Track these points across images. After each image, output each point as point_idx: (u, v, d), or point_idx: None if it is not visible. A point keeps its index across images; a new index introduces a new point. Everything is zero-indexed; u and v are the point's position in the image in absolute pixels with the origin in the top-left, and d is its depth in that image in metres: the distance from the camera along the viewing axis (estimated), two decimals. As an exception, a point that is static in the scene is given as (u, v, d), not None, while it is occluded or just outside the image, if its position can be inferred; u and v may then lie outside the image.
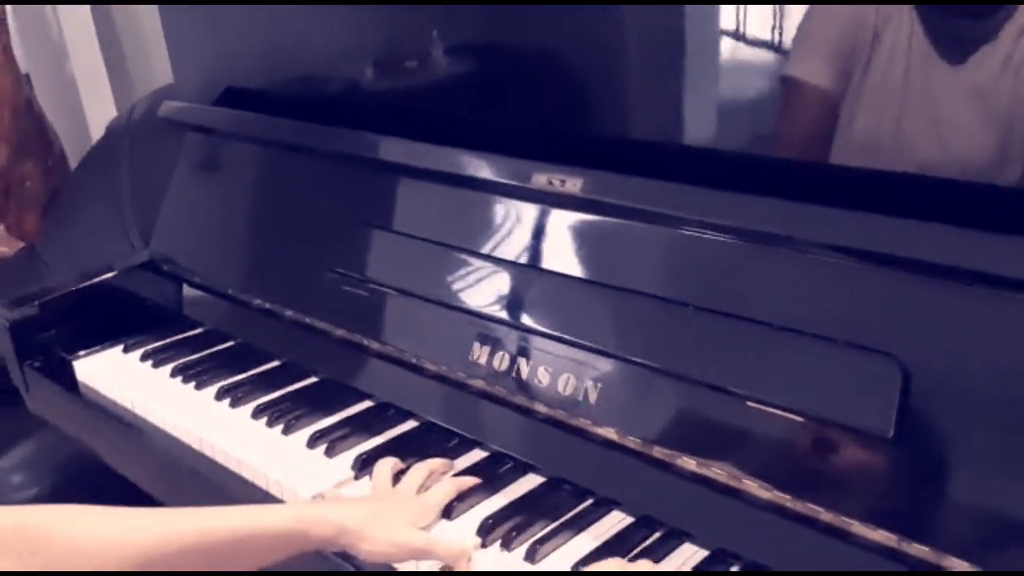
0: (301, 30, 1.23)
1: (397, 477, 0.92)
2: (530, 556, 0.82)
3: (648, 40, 0.90)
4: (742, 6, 0.83)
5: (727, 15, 0.83)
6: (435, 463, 0.94)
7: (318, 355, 1.14)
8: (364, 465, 0.96)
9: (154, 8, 1.52)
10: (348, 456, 0.98)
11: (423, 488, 0.90)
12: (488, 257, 0.97)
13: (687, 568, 0.79)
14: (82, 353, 1.25)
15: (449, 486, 0.89)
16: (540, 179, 0.91)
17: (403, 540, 0.81)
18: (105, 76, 2.17)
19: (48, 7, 2.07)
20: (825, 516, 0.74)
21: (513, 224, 0.96)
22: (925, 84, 0.75)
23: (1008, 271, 0.67)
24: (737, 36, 0.84)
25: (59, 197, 2.02)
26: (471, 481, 0.91)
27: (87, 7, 2.06)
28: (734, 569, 0.79)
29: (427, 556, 0.82)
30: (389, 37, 1.14)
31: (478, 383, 0.97)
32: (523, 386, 0.92)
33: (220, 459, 1.03)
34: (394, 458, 0.94)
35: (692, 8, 0.85)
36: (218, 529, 0.78)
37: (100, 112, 2.16)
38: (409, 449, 0.97)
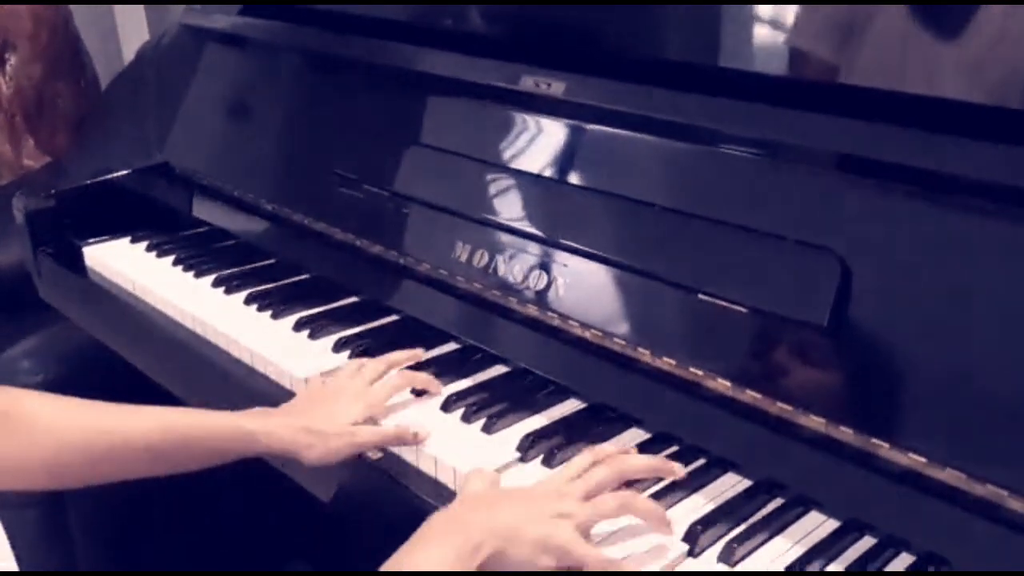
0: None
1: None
2: (487, 429, 0.87)
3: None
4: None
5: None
6: (397, 356, 0.95)
7: (311, 254, 1.20)
8: (341, 348, 1.02)
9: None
10: (328, 340, 1.03)
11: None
12: (473, 159, 1.02)
13: (631, 445, 0.83)
14: (92, 241, 1.32)
15: (400, 378, 0.92)
16: (527, 82, 0.96)
17: (344, 443, 0.84)
18: (141, 5, 2.24)
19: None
20: (763, 402, 0.78)
21: (501, 130, 1.01)
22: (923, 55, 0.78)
23: (946, 170, 0.71)
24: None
25: (88, 117, 2.09)
26: (423, 376, 0.93)
27: (128, -66, 2.12)
28: (673, 449, 0.83)
29: (368, 448, 0.85)
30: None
31: (459, 281, 1.02)
32: (498, 281, 0.97)
33: (210, 336, 1.08)
34: (360, 360, 0.95)
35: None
36: (164, 424, 0.82)
37: (135, 39, 2.23)
38: (385, 339, 1.02)
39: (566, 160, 0.95)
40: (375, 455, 0.86)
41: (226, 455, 0.84)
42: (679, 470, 0.77)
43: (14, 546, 1.48)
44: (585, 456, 0.77)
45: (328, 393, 0.90)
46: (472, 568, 0.66)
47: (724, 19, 0.89)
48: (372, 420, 0.88)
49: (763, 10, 0.86)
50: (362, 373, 0.92)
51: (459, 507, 0.72)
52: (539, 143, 0.97)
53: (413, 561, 0.66)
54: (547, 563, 0.68)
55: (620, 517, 0.72)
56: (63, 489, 0.81)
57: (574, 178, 0.94)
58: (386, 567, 0.65)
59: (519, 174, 0.98)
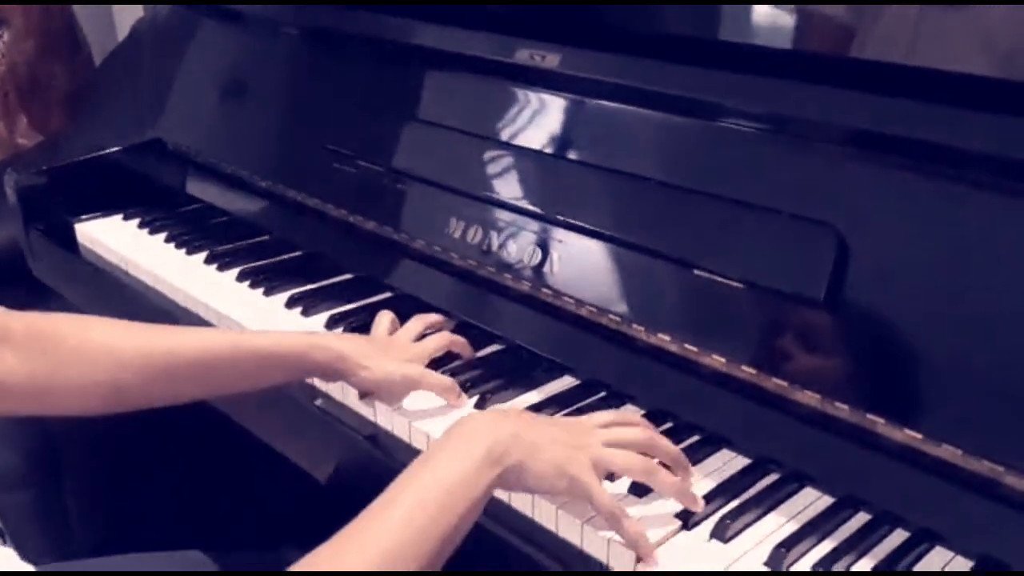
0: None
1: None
2: (480, 405, 0.86)
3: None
4: None
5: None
6: (432, 317, 0.97)
7: (304, 231, 1.19)
8: (334, 324, 1.01)
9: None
10: (321, 317, 1.03)
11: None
12: (467, 134, 1.01)
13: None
14: (84, 217, 1.31)
15: (442, 338, 0.92)
16: (522, 54, 0.94)
17: (396, 369, 0.85)
18: (135, -19, 2.21)
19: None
20: (759, 378, 0.78)
21: (496, 104, 1.00)
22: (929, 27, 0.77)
23: (947, 142, 0.70)
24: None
25: (82, 95, 2.08)
26: (461, 340, 0.94)
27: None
28: (668, 425, 0.82)
29: (418, 386, 0.86)
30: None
31: (453, 257, 1.01)
32: (492, 257, 0.96)
33: (202, 313, 1.08)
34: (391, 313, 0.96)
35: None
36: (219, 343, 0.82)
37: (128, 15, 2.21)
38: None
39: (561, 134, 0.94)
40: (366, 430, 0.86)
41: (281, 371, 0.84)
42: (700, 505, 0.72)
43: (9, 530, 1.47)
44: (615, 412, 0.76)
45: (373, 338, 0.91)
46: (495, 473, 0.65)
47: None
48: None
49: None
50: (403, 331, 0.93)
51: (495, 415, 0.71)
52: (534, 117, 0.96)
53: (447, 452, 0.65)
54: (561, 487, 0.68)
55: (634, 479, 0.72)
56: (125, 411, 0.81)
57: (569, 153, 0.93)
58: (405, 475, 0.64)
59: (514, 149, 0.97)
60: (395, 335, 0.93)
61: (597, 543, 0.70)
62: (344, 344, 0.85)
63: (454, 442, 0.66)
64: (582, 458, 0.68)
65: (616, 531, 0.68)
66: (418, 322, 0.95)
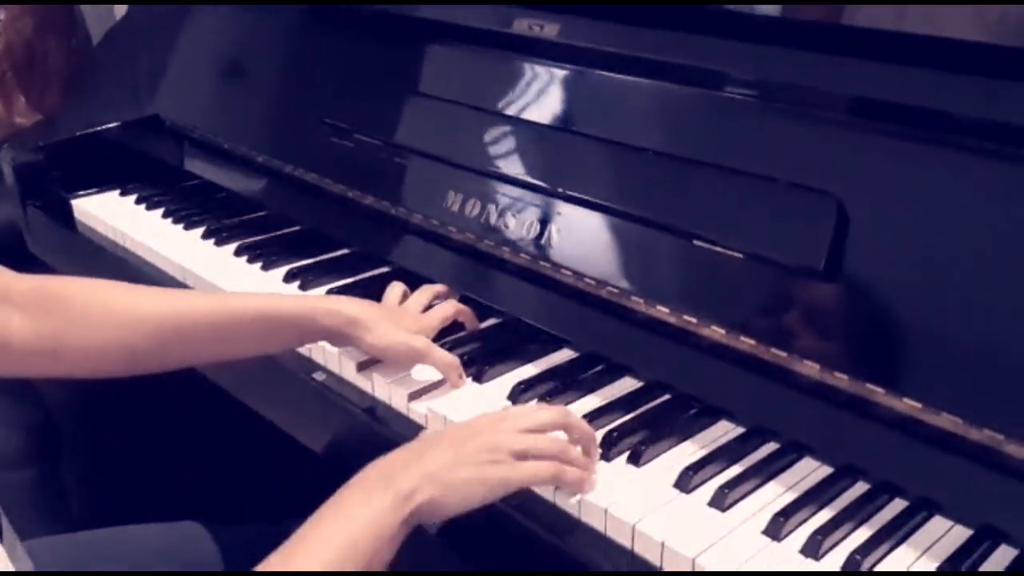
0: None
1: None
2: (477, 378, 0.85)
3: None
4: None
5: None
6: (438, 287, 0.96)
7: (302, 206, 1.18)
8: (333, 298, 1.00)
9: None
10: (319, 291, 1.02)
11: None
12: (464, 106, 1.00)
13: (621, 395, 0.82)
14: (81, 194, 1.30)
15: (450, 308, 0.92)
16: (521, 24, 0.94)
17: (404, 339, 0.84)
18: (133, -41, 2.20)
19: None
20: (758, 349, 0.77)
21: (493, 75, 0.99)
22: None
23: (948, 109, 0.69)
24: None
25: (80, 74, 2.06)
26: (467, 309, 0.93)
27: None
28: (666, 397, 0.82)
29: (423, 360, 0.85)
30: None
31: (451, 231, 1.00)
32: (490, 230, 0.95)
33: (199, 287, 1.07)
34: (402, 284, 0.95)
35: None
36: (230, 305, 0.82)
37: (126, -5, 2.19)
38: (377, 290, 1.00)
39: (559, 105, 0.93)
40: (364, 403, 0.85)
41: (291, 333, 0.84)
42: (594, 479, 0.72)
43: (6, 510, 1.47)
44: (532, 405, 0.76)
45: (384, 306, 0.90)
46: (405, 512, 0.64)
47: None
48: None
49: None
50: (411, 302, 0.92)
51: (391, 456, 0.69)
52: (532, 88, 0.95)
53: (344, 511, 0.64)
54: (485, 497, 0.67)
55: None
56: (138, 373, 0.82)
57: (568, 124, 0.92)
58: (313, 520, 0.64)
59: (512, 121, 0.96)
60: (404, 305, 0.92)
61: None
62: (354, 308, 0.84)
63: (362, 488, 0.66)
64: (497, 463, 0.67)
65: (564, 483, 0.69)
66: (425, 293, 0.94)
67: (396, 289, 0.94)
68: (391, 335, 0.84)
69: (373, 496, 0.65)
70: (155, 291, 0.82)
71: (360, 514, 0.63)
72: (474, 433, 0.70)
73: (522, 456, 0.69)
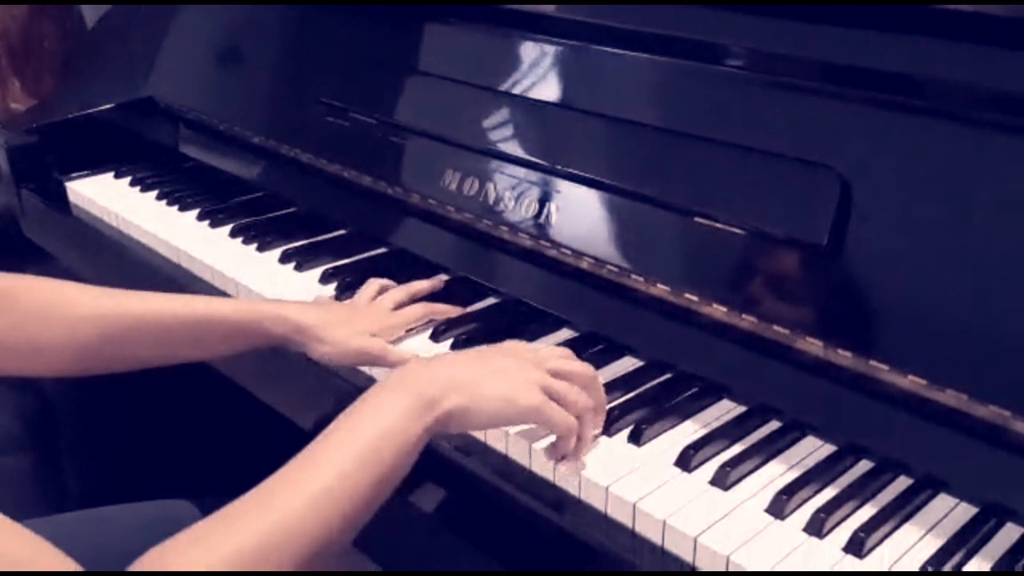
0: None
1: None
2: (454, 345, 0.85)
3: None
4: None
5: None
6: (417, 286, 0.93)
7: (298, 187, 1.17)
8: (328, 279, 0.99)
9: None
10: (315, 272, 1.01)
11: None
12: (461, 83, 0.99)
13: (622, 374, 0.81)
14: (75, 176, 1.29)
15: (419, 309, 0.89)
16: (517, -1, 0.93)
17: (357, 346, 0.82)
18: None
19: None
20: (760, 327, 0.76)
21: (489, 51, 0.97)
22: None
23: (954, 79, 0.68)
24: None
25: (75, 58, 2.05)
26: (445, 308, 0.91)
27: None
28: (667, 376, 0.81)
29: (379, 363, 0.83)
30: None
31: (449, 211, 0.99)
32: (489, 209, 0.94)
33: (196, 270, 1.06)
34: (383, 280, 0.94)
35: None
36: (175, 308, 0.82)
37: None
38: (374, 271, 0.99)
39: (558, 82, 0.92)
40: (359, 381, 0.84)
41: (236, 339, 0.83)
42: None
43: (3, 496, 1.47)
44: (563, 349, 0.75)
45: (347, 305, 0.90)
46: (430, 418, 0.63)
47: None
48: None
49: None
50: (383, 299, 0.90)
51: (414, 363, 0.69)
52: (529, 65, 0.94)
53: (376, 400, 0.63)
54: (512, 417, 0.67)
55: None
56: (89, 374, 0.82)
57: (566, 100, 0.91)
58: (340, 418, 0.63)
59: (509, 97, 0.95)
60: (375, 302, 0.90)
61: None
62: (302, 315, 0.82)
63: (385, 392, 0.65)
64: (529, 384, 0.67)
65: (577, 446, 0.69)
66: (401, 291, 0.91)
67: (372, 287, 0.92)
68: (343, 344, 0.82)
69: (394, 403, 0.63)
70: (103, 292, 0.81)
71: (380, 421, 0.62)
72: (509, 352, 0.70)
73: (550, 394, 0.68)
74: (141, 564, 0.54)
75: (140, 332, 0.81)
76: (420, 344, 0.87)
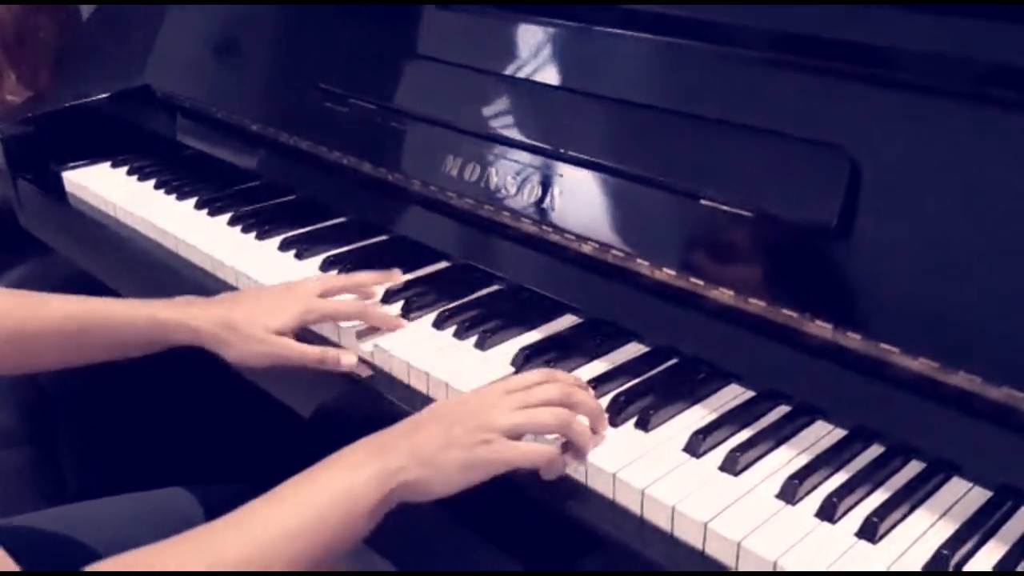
0: None
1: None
2: (480, 345, 0.83)
3: None
4: None
5: None
6: (365, 277, 0.90)
7: (297, 174, 1.16)
8: (328, 267, 0.98)
9: None
10: (315, 260, 1.00)
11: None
12: (460, 67, 0.97)
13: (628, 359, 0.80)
14: (72, 165, 1.27)
15: (351, 307, 0.86)
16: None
17: (260, 351, 0.80)
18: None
19: None
20: (768, 311, 0.75)
21: (488, 34, 0.96)
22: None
23: (962, 53, 0.67)
24: None
25: (70, 50, 2.03)
26: (381, 315, 0.86)
27: None
28: (673, 362, 0.80)
29: (286, 363, 0.81)
30: None
31: (451, 197, 0.97)
32: (491, 195, 0.93)
33: (195, 258, 1.05)
34: (339, 276, 0.92)
35: None
36: (78, 312, 0.81)
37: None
38: (374, 258, 0.98)
39: (559, 63, 0.90)
40: (365, 373, 0.83)
41: (141, 345, 0.83)
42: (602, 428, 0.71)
43: (2, 489, 1.46)
44: (536, 373, 0.72)
45: (261, 293, 0.87)
46: (387, 489, 0.62)
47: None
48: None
49: None
50: (318, 281, 0.88)
51: (385, 432, 0.67)
52: (530, 47, 0.92)
53: (322, 479, 0.62)
54: (474, 479, 0.65)
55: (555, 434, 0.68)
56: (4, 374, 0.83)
57: (568, 82, 0.89)
58: (290, 482, 0.62)
59: (510, 81, 0.94)
60: (293, 287, 0.86)
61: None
62: (201, 321, 0.81)
63: (348, 460, 0.64)
64: (487, 444, 0.65)
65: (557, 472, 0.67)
66: (341, 279, 0.89)
67: (318, 278, 0.90)
68: (248, 348, 0.80)
69: (358, 468, 0.63)
70: (9, 294, 0.81)
71: (337, 484, 0.62)
72: (469, 412, 0.67)
73: (516, 435, 0.66)
74: None
75: (41, 337, 0.80)
76: (424, 331, 0.86)
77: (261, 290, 0.89)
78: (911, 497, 0.64)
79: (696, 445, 0.69)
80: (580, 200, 0.87)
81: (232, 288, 0.99)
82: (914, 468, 0.67)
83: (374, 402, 0.80)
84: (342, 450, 0.65)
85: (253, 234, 1.06)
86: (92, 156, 1.29)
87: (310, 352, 0.81)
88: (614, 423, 0.72)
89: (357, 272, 0.92)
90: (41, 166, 1.29)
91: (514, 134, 0.92)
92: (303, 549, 0.59)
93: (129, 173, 1.24)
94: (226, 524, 0.59)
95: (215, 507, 0.85)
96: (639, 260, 0.83)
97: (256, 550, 0.58)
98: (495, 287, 0.94)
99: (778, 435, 0.70)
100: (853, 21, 0.72)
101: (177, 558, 0.56)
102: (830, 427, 0.71)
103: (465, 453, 0.64)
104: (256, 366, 0.82)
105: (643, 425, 0.71)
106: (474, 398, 0.69)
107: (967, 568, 0.59)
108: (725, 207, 0.77)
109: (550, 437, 0.68)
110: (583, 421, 0.69)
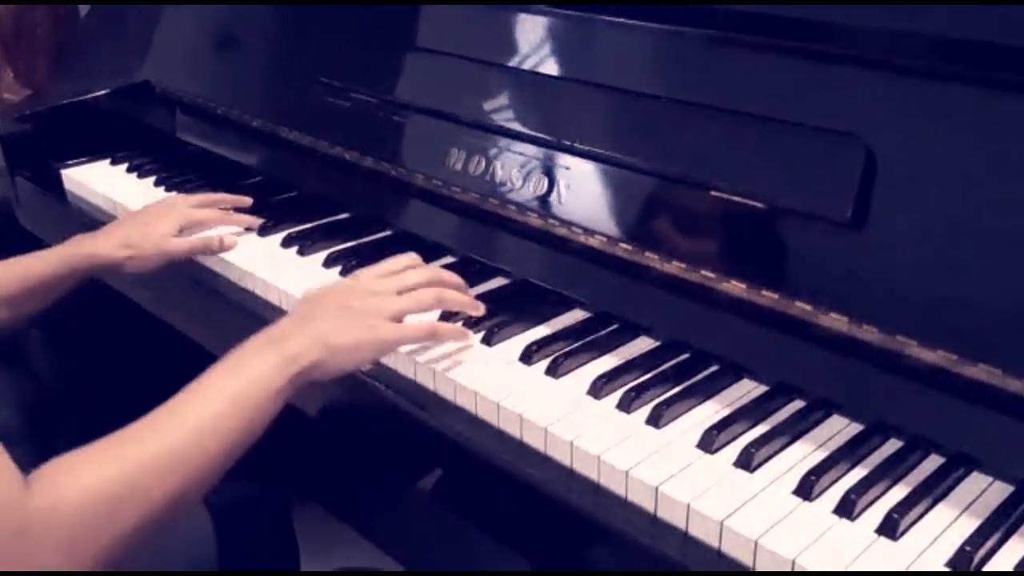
0: None
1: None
2: (487, 340, 0.82)
3: None
4: None
5: None
6: (221, 196, 1.07)
7: (298, 170, 1.14)
8: (331, 263, 0.97)
9: None
10: (319, 256, 0.98)
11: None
12: (462, 58, 0.96)
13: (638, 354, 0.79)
14: (70, 162, 1.26)
15: (215, 214, 1.03)
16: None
17: (150, 254, 0.96)
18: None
19: None
20: (780, 303, 0.74)
21: (491, 25, 0.95)
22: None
23: (978, 39, 0.65)
24: None
25: (68, 46, 2.02)
26: (243, 218, 1.03)
27: None
28: (684, 356, 0.78)
29: (181, 255, 0.99)
30: None
31: (455, 191, 0.96)
32: (495, 188, 0.91)
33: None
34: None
35: None
36: (12, 272, 0.94)
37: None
38: (378, 253, 0.96)
39: (564, 54, 0.89)
40: (367, 366, 0.82)
41: (59, 288, 0.95)
42: (481, 309, 0.82)
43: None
44: (400, 258, 0.82)
45: (141, 213, 1.02)
46: (291, 374, 0.69)
47: None
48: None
49: None
50: (186, 197, 1.05)
51: (282, 321, 0.74)
52: (534, 37, 0.91)
53: (233, 368, 0.69)
54: (368, 357, 0.76)
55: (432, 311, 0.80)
56: None
57: (574, 73, 0.88)
58: (204, 375, 0.68)
59: (514, 72, 0.92)
60: (168, 204, 1.03)
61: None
62: (105, 247, 0.96)
63: (253, 346, 0.71)
64: (376, 326, 0.74)
65: (441, 340, 0.78)
66: (200, 196, 1.05)
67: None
68: (143, 255, 0.96)
69: (261, 355, 0.70)
70: None
71: (248, 371, 0.69)
72: (356, 298, 0.76)
73: (401, 318, 0.76)
74: (40, 474, 0.61)
75: None
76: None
77: (140, 210, 1.04)
78: (931, 493, 0.63)
79: (710, 441, 0.67)
80: (588, 193, 0.85)
81: (235, 287, 0.98)
82: (933, 463, 0.66)
83: (380, 401, 0.79)
84: (246, 342, 0.72)
85: (254, 231, 1.04)
86: (91, 153, 1.28)
87: (195, 241, 0.98)
88: (627, 415, 0.71)
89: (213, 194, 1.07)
90: (40, 164, 1.28)
91: (519, 126, 0.91)
92: (231, 429, 0.66)
93: (129, 170, 1.23)
94: (165, 413, 0.66)
95: (217, 505, 0.85)
96: (648, 253, 0.81)
97: (194, 430, 0.65)
98: (501, 282, 0.92)
99: (794, 430, 0.69)
100: (865, 6, 0.70)
101: (131, 444, 0.63)
102: (846, 421, 0.70)
103: (355, 337, 0.74)
104: (152, 269, 0.97)
105: (655, 421, 0.70)
106: (357, 286, 0.79)
107: (990, 565, 0.58)
108: (736, 198, 0.76)
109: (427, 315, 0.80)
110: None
